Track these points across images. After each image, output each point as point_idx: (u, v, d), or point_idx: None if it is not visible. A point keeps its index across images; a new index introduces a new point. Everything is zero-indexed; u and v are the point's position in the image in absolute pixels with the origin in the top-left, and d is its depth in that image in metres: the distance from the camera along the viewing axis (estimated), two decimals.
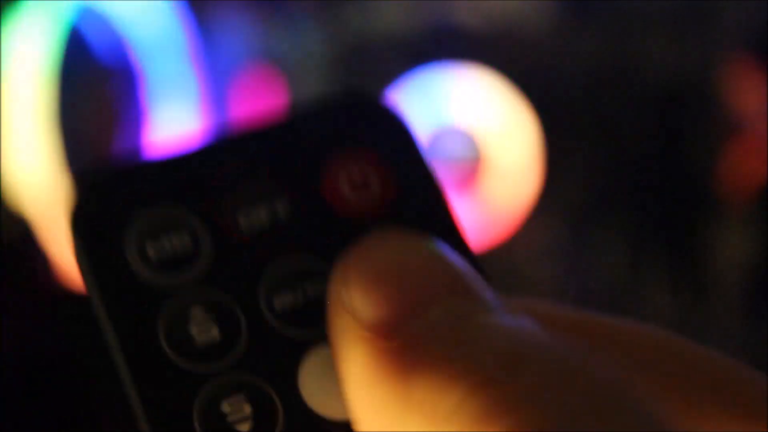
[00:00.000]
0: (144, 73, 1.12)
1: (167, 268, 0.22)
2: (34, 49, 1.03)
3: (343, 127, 0.24)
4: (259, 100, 1.20)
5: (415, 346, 0.20)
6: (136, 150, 1.12)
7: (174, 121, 1.14)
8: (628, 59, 1.23)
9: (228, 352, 0.22)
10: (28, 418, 1.04)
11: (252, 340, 0.22)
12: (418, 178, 0.24)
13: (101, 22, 1.09)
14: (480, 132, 1.23)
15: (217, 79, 1.17)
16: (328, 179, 0.23)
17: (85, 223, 0.22)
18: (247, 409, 0.21)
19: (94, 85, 1.10)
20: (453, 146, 1.23)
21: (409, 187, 0.24)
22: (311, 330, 0.22)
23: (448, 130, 1.23)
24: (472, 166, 1.23)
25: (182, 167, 0.23)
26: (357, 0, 1.24)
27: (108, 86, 1.11)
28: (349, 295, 0.21)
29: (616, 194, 1.24)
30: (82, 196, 0.22)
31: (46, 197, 1.05)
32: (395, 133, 0.24)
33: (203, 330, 0.22)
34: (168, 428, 0.21)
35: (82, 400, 1.08)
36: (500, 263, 1.23)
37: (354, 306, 0.20)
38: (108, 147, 1.12)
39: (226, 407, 0.21)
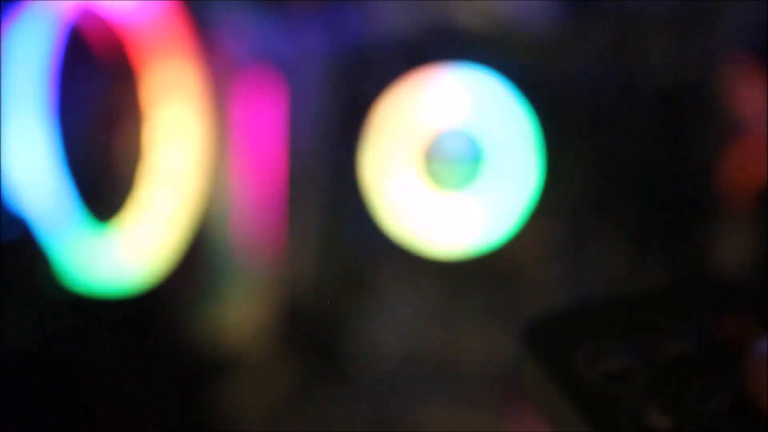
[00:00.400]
0: (144, 73, 1.12)
1: (614, 379, 0.31)
2: (34, 49, 1.03)
3: (731, 293, 0.35)
4: (259, 100, 1.20)
5: None
6: (137, 151, 1.12)
7: (175, 120, 1.14)
8: (628, 59, 1.23)
9: None
10: (28, 417, 1.04)
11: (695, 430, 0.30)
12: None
13: (101, 22, 1.09)
14: (480, 132, 1.23)
15: (217, 79, 1.17)
16: (720, 329, 0.33)
17: (546, 348, 0.32)
18: None
19: (94, 85, 1.11)
20: (453, 146, 1.23)
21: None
22: (739, 425, 0.30)
23: (449, 130, 1.23)
24: (472, 166, 1.23)
25: (626, 309, 0.34)
26: (357, 0, 1.24)
27: (108, 86, 1.11)
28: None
29: (616, 194, 1.24)
30: (543, 331, 0.33)
31: (45, 197, 1.05)
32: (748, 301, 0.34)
33: (659, 421, 0.30)
34: None
35: (82, 400, 1.08)
36: (500, 263, 1.23)
37: None
38: (108, 147, 1.12)
39: None
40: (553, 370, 0.32)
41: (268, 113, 1.21)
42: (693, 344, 0.33)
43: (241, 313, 1.20)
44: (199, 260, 1.17)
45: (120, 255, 1.11)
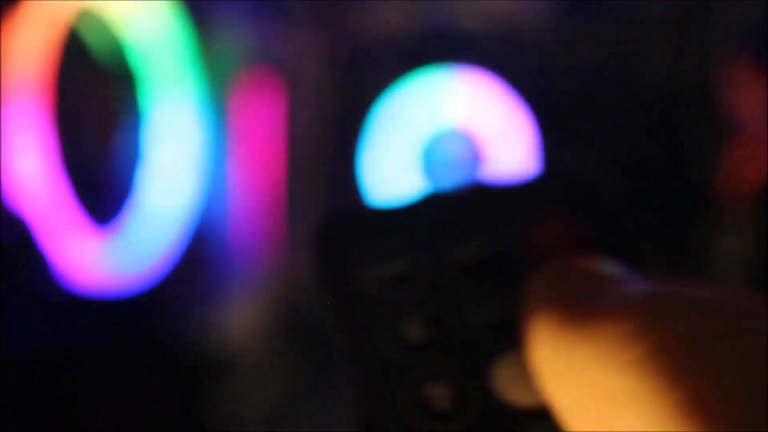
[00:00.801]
0: (143, 74, 1.12)
1: (388, 285, 0.28)
2: (35, 50, 1.03)
3: (548, 194, 0.32)
4: (259, 100, 1.20)
5: (592, 311, 0.25)
6: (135, 152, 1.12)
7: (173, 121, 1.14)
8: (628, 59, 1.23)
9: (432, 348, 0.27)
10: (27, 418, 1.04)
11: (453, 343, 0.27)
12: (606, 238, 0.30)
13: (100, 23, 1.10)
14: (480, 133, 1.23)
15: (216, 79, 1.17)
16: (529, 232, 0.30)
17: (327, 247, 0.29)
18: (447, 393, 0.26)
19: (93, 85, 1.11)
20: (453, 147, 1.23)
21: (594, 242, 0.30)
22: (502, 340, 0.27)
23: (448, 131, 1.23)
24: (472, 167, 1.23)
25: (410, 212, 0.30)
26: (357, 0, 1.24)
27: (107, 87, 1.11)
28: (536, 285, 0.27)
29: (615, 194, 1.24)
30: (328, 229, 0.30)
31: (45, 198, 1.05)
32: (591, 201, 0.31)
33: (413, 331, 0.27)
34: (379, 404, 0.26)
35: (81, 401, 1.08)
36: None
37: (541, 290, 0.26)
38: (108, 147, 1.12)
39: (428, 390, 0.26)
40: (329, 272, 0.28)
41: (267, 113, 1.21)
42: (495, 249, 0.29)
43: (240, 314, 1.20)
44: (198, 260, 1.17)
45: (119, 256, 1.11)
